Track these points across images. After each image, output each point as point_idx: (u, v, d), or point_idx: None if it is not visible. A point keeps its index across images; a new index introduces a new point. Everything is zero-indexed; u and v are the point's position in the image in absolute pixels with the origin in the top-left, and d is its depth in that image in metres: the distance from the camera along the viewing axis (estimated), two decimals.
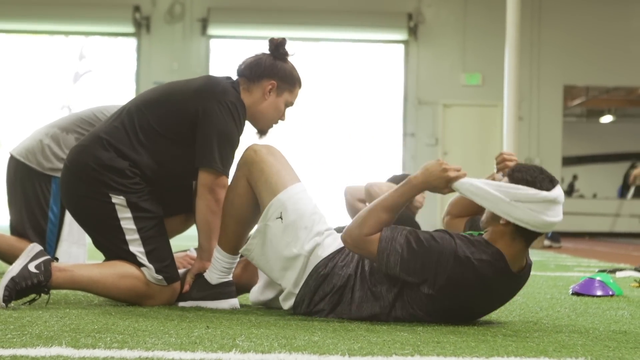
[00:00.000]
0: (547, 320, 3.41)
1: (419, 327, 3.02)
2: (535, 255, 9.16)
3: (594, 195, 20.89)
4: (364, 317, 3.16)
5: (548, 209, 3.02)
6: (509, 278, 3.09)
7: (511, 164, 3.19)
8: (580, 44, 16.95)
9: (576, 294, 4.55)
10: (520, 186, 3.02)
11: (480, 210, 3.37)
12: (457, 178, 3.07)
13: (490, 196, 3.02)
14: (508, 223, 3.04)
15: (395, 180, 5.54)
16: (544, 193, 3.01)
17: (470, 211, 3.44)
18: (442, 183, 3.08)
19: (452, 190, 3.12)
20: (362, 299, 3.16)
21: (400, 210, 3.12)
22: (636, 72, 17.18)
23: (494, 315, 3.48)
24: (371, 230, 3.07)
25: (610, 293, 4.52)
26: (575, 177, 22.18)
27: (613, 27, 17.02)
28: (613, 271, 6.11)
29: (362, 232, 3.08)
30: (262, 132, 3.75)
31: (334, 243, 3.28)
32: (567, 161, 19.83)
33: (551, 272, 6.42)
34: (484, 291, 3.08)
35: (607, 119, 23.67)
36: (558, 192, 3.04)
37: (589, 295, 4.49)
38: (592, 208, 18.25)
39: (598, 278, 4.63)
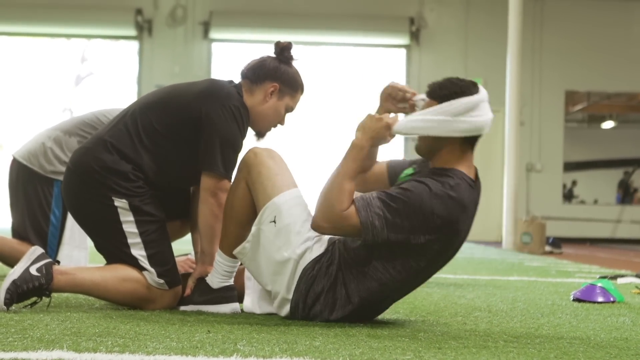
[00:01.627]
0: (548, 326, 3.40)
1: (420, 332, 3.02)
2: (536, 261, 9.16)
3: (595, 201, 20.88)
4: (370, 301, 3.18)
5: (483, 108, 3.12)
6: (475, 190, 3.17)
7: (408, 94, 3.26)
8: (582, 49, 16.96)
9: (577, 300, 4.55)
10: (454, 100, 3.09)
11: (372, 162, 3.40)
12: (394, 121, 3.13)
13: (434, 123, 3.09)
14: (455, 139, 3.11)
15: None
16: (477, 96, 3.11)
17: (366, 167, 3.42)
18: (383, 131, 3.13)
19: (393, 136, 3.16)
20: (357, 286, 3.17)
21: (357, 174, 3.13)
22: (637, 77, 17.19)
23: (495, 321, 3.48)
24: (344, 204, 3.06)
25: (612, 299, 4.51)
26: (574, 183, 22.16)
27: (614, 32, 17.04)
28: (614, 277, 6.11)
29: (336, 209, 3.07)
30: (260, 134, 3.74)
31: (322, 247, 3.28)
32: (569, 167, 19.83)
33: (552, 278, 6.42)
34: (466, 213, 3.12)
35: (608, 124, 23.67)
36: (484, 90, 3.16)
37: (590, 302, 4.48)
38: (593, 214, 18.24)
39: (599, 284, 4.62)
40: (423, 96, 3.22)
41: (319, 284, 3.21)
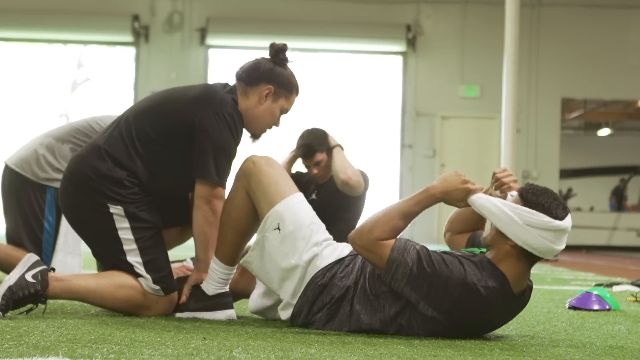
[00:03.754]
0: (544, 334, 3.40)
1: (415, 340, 3.02)
2: (532, 268, 9.14)
3: (591, 208, 20.89)
4: (363, 330, 3.14)
5: (558, 237, 2.99)
6: (512, 301, 3.07)
7: (508, 180, 3.14)
8: (579, 56, 16.98)
9: (573, 308, 4.55)
10: (535, 212, 2.96)
11: (480, 225, 3.36)
12: (476, 191, 3.05)
13: (504, 216, 2.97)
14: (516, 245, 3.00)
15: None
16: (558, 222, 2.96)
17: (470, 227, 3.40)
18: (461, 195, 3.05)
19: (468, 205, 3.07)
20: (361, 311, 3.14)
21: (414, 218, 3.07)
22: (634, 85, 17.21)
23: None
24: (384, 235, 3.01)
25: (607, 307, 4.52)
26: (570, 191, 22.18)
27: (611, 40, 17.05)
28: (610, 285, 6.11)
29: (373, 235, 3.01)
30: (255, 136, 3.73)
31: (333, 253, 3.27)
32: (565, 174, 19.84)
33: (548, 286, 6.42)
34: (487, 315, 3.06)
35: (604, 131, 23.71)
36: (569, 221, 3.00)
37: (585, 310, 4.48)
38: (589, 221, 18.26)
39: (595, 292, 4.63)
40: (515, 193, 3.10)
41: (328, 294, 3.19)
